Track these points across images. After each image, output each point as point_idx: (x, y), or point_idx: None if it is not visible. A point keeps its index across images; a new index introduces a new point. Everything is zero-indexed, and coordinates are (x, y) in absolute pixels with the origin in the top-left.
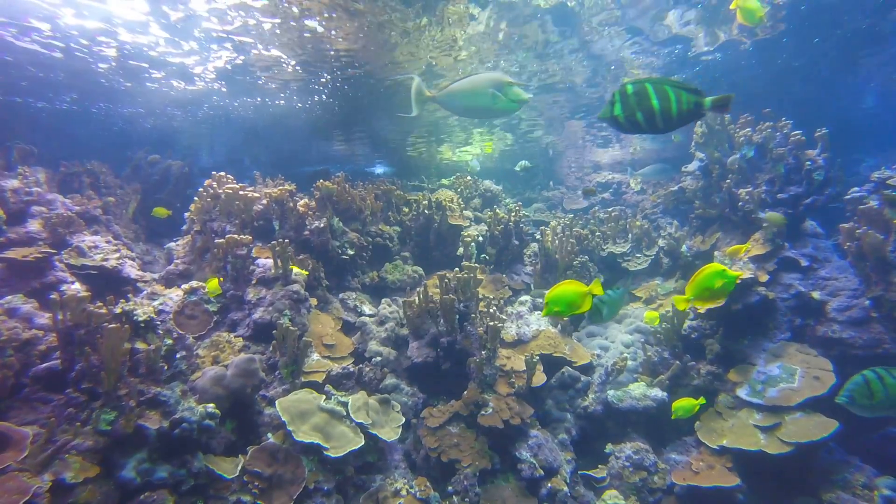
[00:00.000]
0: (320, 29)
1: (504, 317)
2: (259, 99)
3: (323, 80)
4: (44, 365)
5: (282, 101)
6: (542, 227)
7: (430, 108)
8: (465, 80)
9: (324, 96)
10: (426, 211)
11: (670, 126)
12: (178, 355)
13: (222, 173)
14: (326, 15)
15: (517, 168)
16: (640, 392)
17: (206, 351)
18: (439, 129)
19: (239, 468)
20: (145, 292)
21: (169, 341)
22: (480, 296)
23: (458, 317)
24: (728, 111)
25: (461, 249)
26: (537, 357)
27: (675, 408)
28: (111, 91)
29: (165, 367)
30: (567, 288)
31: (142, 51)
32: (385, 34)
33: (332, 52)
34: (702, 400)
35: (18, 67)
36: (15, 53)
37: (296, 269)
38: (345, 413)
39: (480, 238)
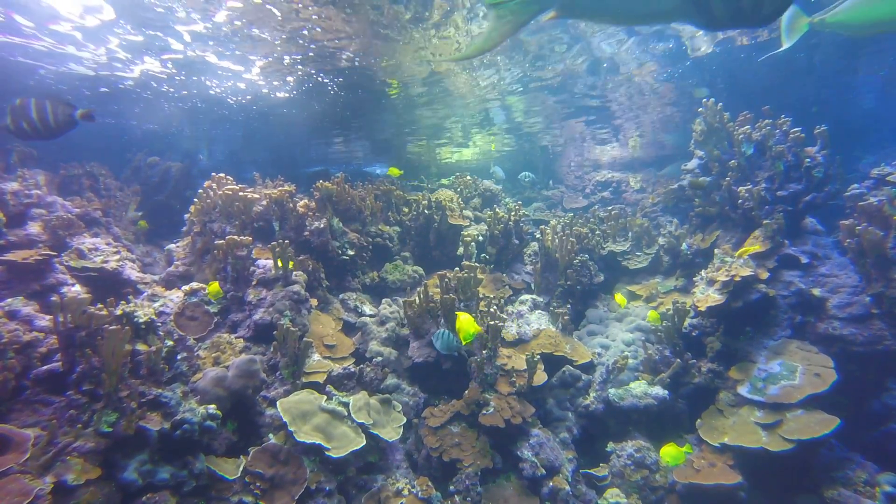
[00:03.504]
0: (330, 36)
1: (504, 316)
2: (267, 106)
3: (329, 82)
4: (45, 367)
5: (287, 100)
6: (542, 227)
7: (423, 113)
8: None
9: (327, 98)
10: (426, 211)
11: (51, 133)
12: (178, 356)
13: (222, 174)
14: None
15: (522, 178)
16: (641, 390)
17: (206, 352)
18: (439, 129)
19: (240, 469)
20: (146, 294)
21: (170, 343)
22: (481, 295)
23: None
24: (94, 120)
25: (461, 249)
26: (538, 356)
27: (663, 454)
28: (149, 111)
29: (166, 369)
30: (465, 321)
31: (208, 90)
32: (388, 33)
33: (338, 56)
34: (688, 447)
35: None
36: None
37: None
38: (346, 413)
39: (480, 238)
